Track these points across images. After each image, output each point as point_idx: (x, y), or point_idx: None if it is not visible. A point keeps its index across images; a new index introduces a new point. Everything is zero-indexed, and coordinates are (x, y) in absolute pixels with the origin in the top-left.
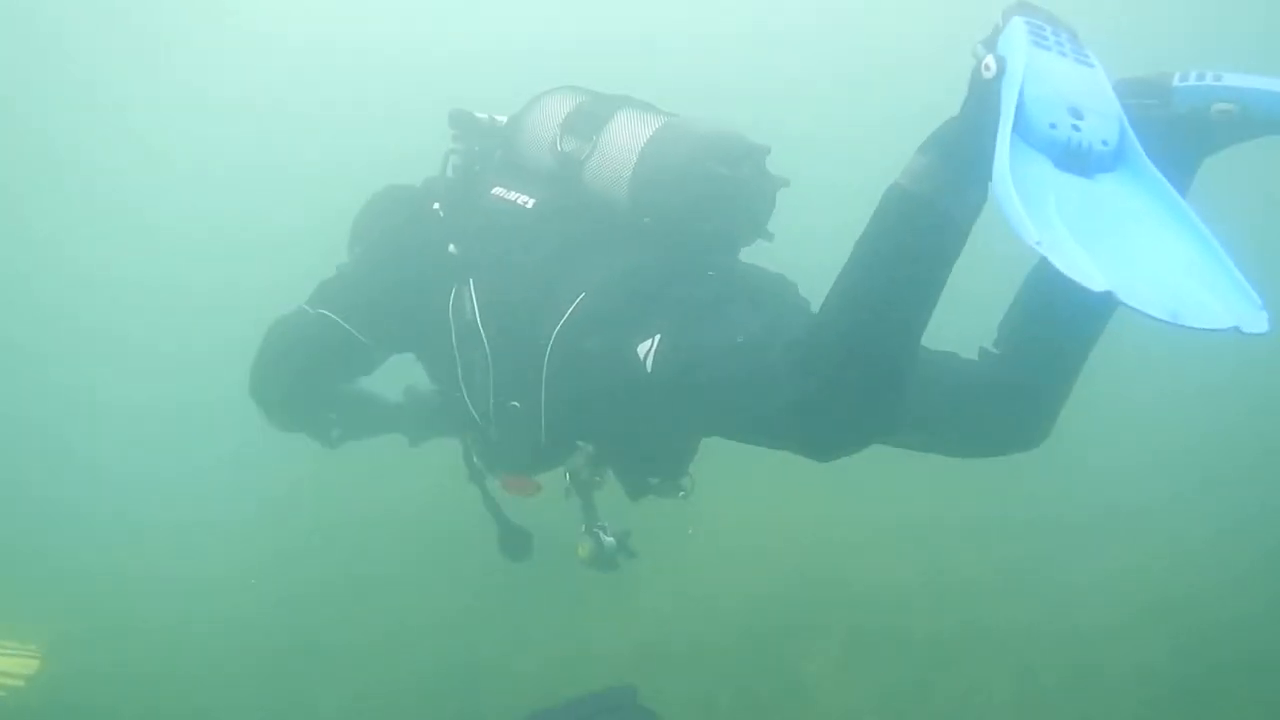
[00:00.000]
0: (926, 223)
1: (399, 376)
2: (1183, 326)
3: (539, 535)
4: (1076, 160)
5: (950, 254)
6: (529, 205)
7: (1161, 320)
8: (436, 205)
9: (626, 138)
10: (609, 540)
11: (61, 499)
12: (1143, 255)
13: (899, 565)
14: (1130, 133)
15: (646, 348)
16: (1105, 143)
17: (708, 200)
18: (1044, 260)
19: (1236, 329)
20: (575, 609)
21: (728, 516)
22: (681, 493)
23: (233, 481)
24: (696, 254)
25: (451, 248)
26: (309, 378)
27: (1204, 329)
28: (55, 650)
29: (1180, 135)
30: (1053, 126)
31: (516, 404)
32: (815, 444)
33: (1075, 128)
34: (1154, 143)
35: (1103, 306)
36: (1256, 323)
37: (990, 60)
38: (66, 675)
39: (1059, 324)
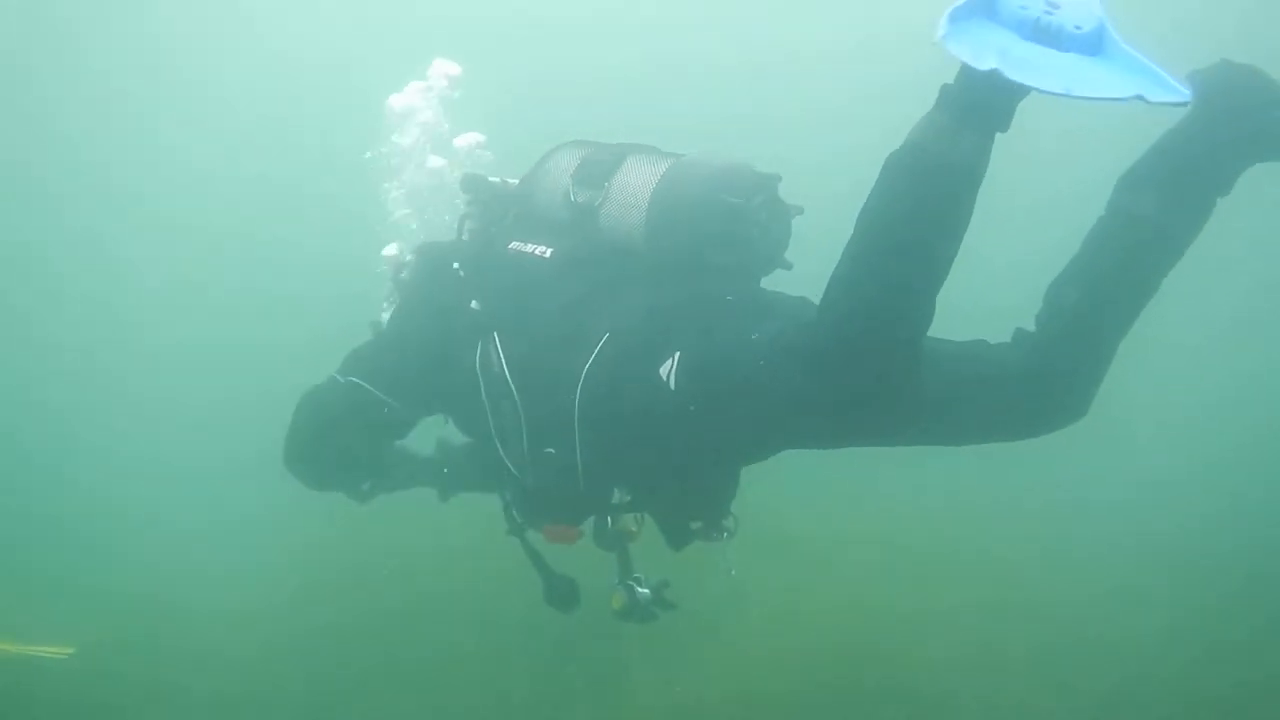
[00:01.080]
0: (924, 166)
1: (429, 430)
2: (1077, 96)
3: (586, 584)
4: (1046, 36)
5: (952, 204)
6: (547, 255)
7: (1056, 93)
8: (456, 265)
9: (637, 181)
10: (644, 592)
11: (104, 532)
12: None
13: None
14: (1110, 28)
15: (668, 368)
16: (1078, 27)
17: (722, 233)
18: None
19: (1140, 97)
20: (619, 661)
21: (773, 577)
22: (725, 534)
23: (273, 520)
24: (715, 287)
25: (474, 304)
26: (345, 447)
27: (1100, 98)
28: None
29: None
30: (1024, 8)
31: (552, 450)
32: (842, 416)
33: (1048, 11)
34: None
35: (1144, 279)
36: (1164, 93)
37: None
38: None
39: (1101, 303)
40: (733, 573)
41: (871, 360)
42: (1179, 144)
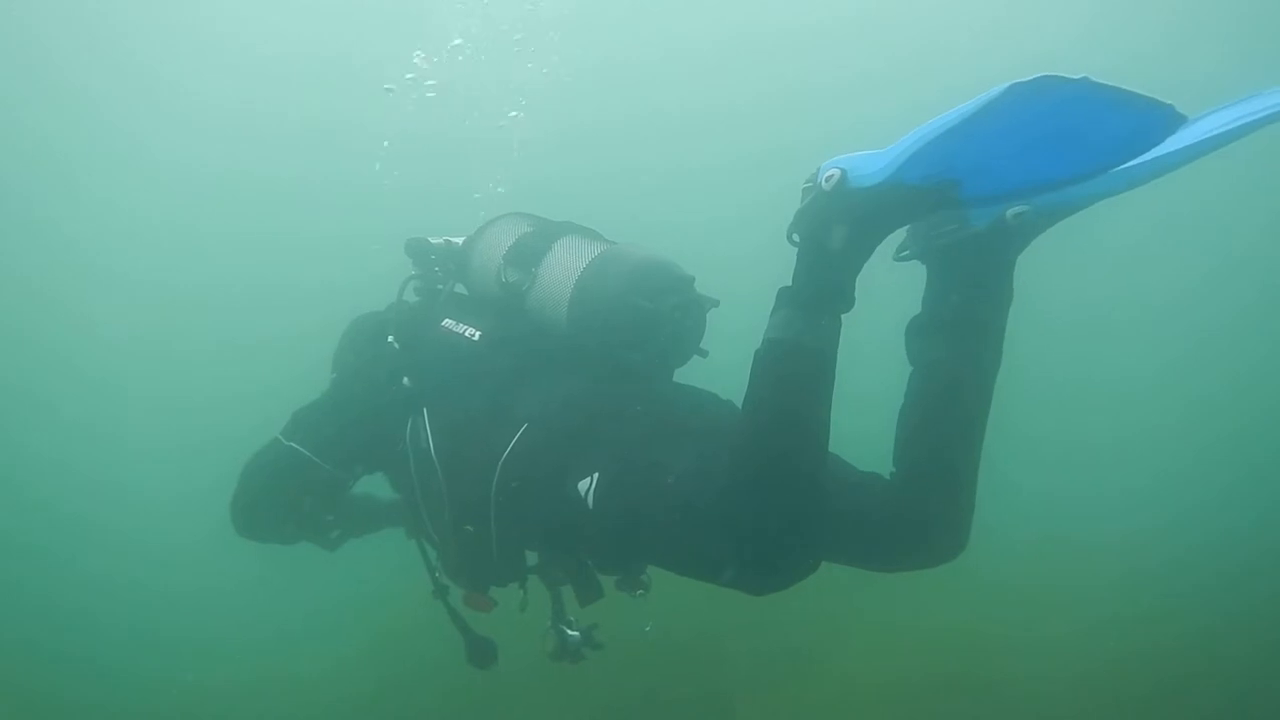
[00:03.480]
0: (794, 360)
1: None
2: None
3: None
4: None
5: (824, 381)
6: (475, 337)
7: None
8: (391, 338)
9: (562, 270)
10: (573, 635)
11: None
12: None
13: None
14: None
15: (587, 485)
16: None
17: (634, 331)
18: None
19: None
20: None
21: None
22: (640, 590)
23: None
24: (633, 378)
25: (405, 380)
26: (287, 505)
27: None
28: None
29: (988, 246)
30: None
31: (470, 528)
32: (748, 584)
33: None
34: (969, 260)
35: (970, 408)
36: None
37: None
38: None
39: (940, 450)
40: (648, 629)
41: (776, 523)
42: (933, 297)
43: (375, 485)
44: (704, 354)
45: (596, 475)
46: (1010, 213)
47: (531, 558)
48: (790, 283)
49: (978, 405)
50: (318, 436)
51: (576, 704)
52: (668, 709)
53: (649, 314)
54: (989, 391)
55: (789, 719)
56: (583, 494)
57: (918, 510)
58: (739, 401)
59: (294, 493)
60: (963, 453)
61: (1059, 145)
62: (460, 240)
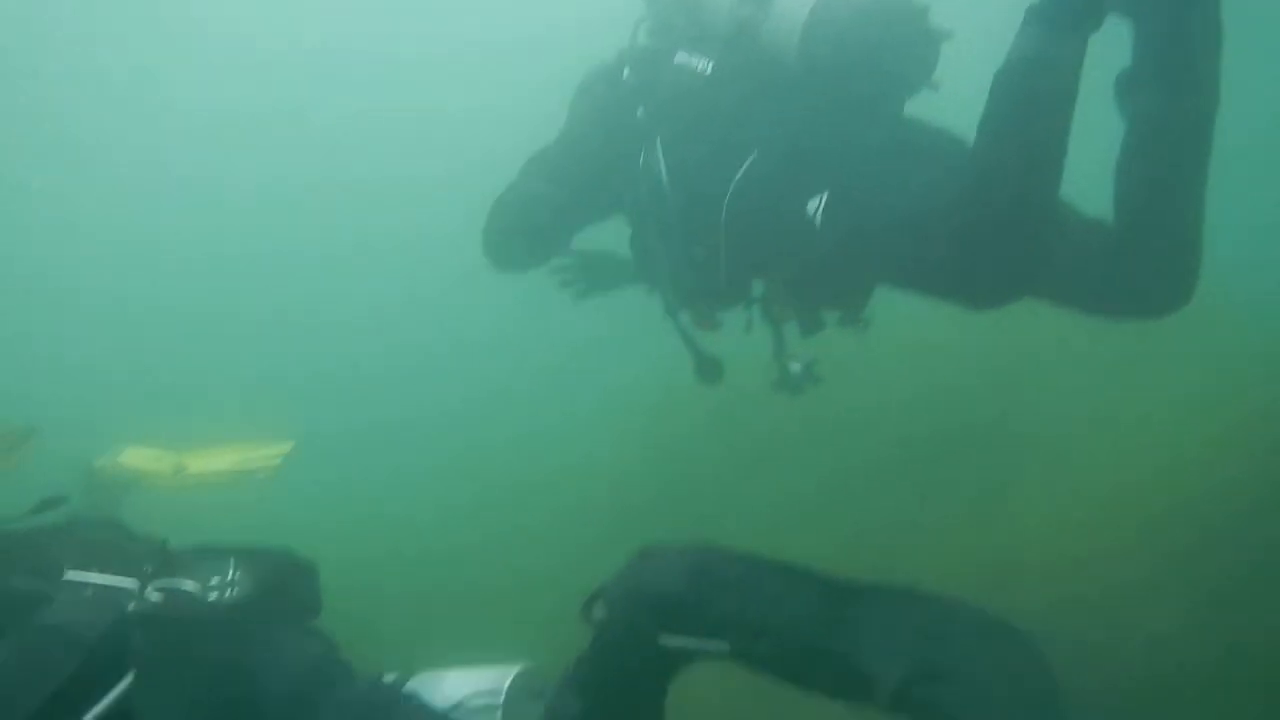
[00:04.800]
0: (1039, 76)
1: None
2: None
3: None
4: None
5: (1067, 101)
6: (708, 70)
7: None
8: (626, 71)
9: (795, 1)
10: (795, 367)
11: None
12: None
13: None
14: None
15: (815, 205)
16: None
17: (865, 60)
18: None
19: None
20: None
21: None
22: (861, 324)
23: None
24: (863, 108)
25: (640, 112)
26: (529, 238)
27: None
28: None
29: None
30: None
31: (699, 251)
32: (974, 294)
33: None
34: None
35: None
36: None
37: None
38: None
39: (1155, 192)
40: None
41: (1007, 236)
42: (1139, 45)
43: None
44: (935, 88)
45: (826, 194)
46: None
47: (757, 288)
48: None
49: (1194, 151)
50: (554, 171)
51: None
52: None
53: (880, 43)
54: (1207, 135)
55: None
56: (811, 213)
57: (1139, 257)
58: (970, 137)
59: (535, 221)
60: (1182, 202)
61: None
62: None
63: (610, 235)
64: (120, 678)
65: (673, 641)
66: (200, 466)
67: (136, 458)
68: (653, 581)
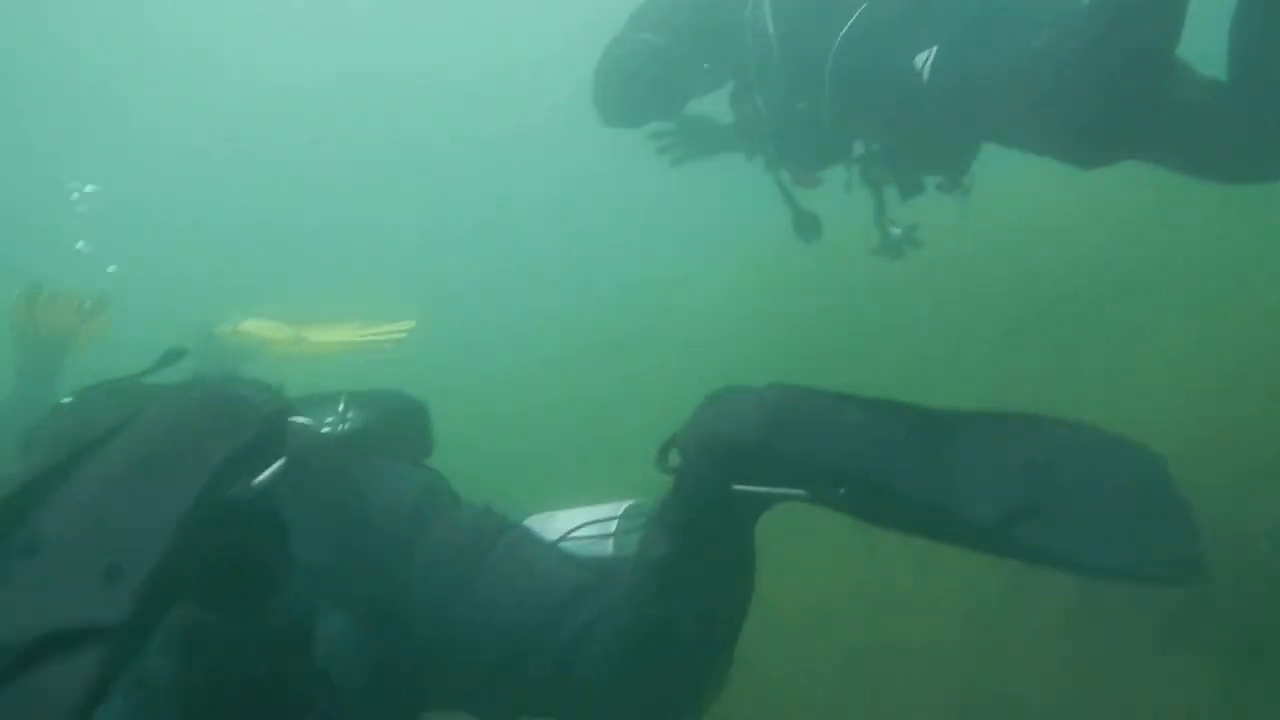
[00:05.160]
0: None
1: None
2: None
3: None
4: None
5: None
6: None
7: None
8: None
9: None
10: (895, 231)
11: None
12: None
13: None
14: None
15: (924, 58)
16: None
17: None
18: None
19: None
20: None
21: None
22: (961, 191)
23: None
24: None
25: None
26: (650, 88)
27: None
28: None
29: None
30: None
31: (803, 104)
32: (1085, 152)
33: None
34: None
35: None
36: None
37: None
38: None
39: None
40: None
41: (1128, 86)
42: None
43: None
44: None
45: (935, 49)
46: None
47: (858, 149)
48: None
49: None
50: (664, 21)
51: None
52: None
53: None
54: None
55: None
56: (919, 67)
57: (1253, 117)
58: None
59: (641, 74)
60: None
61: None
62: None
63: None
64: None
65: (746, 490)
66: (321, 337)
67: (257, 326)
68: (722, 431)
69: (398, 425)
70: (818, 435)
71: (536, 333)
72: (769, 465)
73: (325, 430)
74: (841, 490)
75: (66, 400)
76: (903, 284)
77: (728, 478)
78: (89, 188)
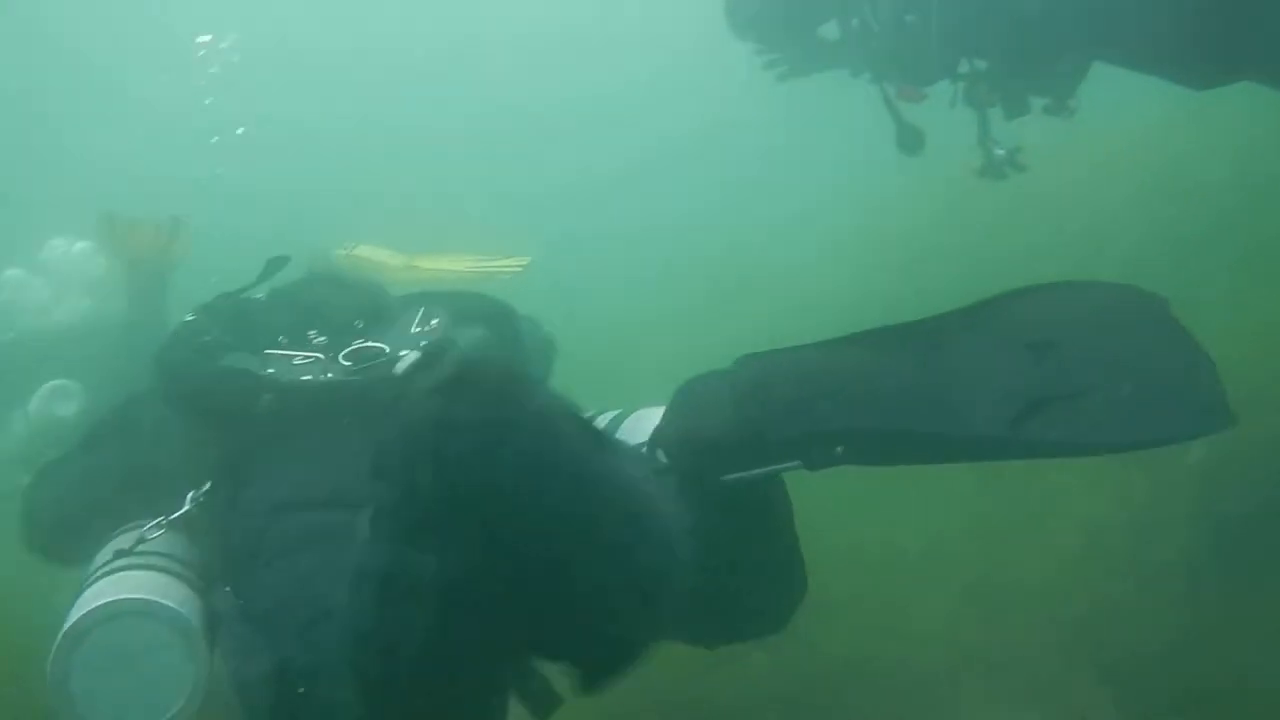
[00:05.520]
0: None
1: None
2: None
3: None
4: None
5: None
6: None
7: None
8: None
9: None
10: (1000, 152)
11: None
12: None
13: None
14: None
15: None
16: None
17: None
18: None
19: None
20: None
21: None
22: (1068, 112)
23: None
24: None
25: None
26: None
27: None
28: None
29: None
30: None
31: (911, 19)
32: (1199, 70)
33: None
34: None
35: None
36: None
37: None
38: None
39: None
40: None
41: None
42: None
43: None
44: None
45: None
46: None
47: (964, 66)
48: None
49: None
50: None
51: None
52: None
53: None
54: None
55: None
56: None
57: None
58: None
59: None
60: None
61: None
62: None
63: None
64: None
65: (740, 477)
66: (434, 266)
67: (371, 251)
68: (699, 427)
69: (487, 322)
70: (799, 406)
71: (647, 283)
72: (751, 453)
73: (414, 331)
74: (839, 449)
75: (190, 318)
76: (1021, 219)
77: (716, 471)
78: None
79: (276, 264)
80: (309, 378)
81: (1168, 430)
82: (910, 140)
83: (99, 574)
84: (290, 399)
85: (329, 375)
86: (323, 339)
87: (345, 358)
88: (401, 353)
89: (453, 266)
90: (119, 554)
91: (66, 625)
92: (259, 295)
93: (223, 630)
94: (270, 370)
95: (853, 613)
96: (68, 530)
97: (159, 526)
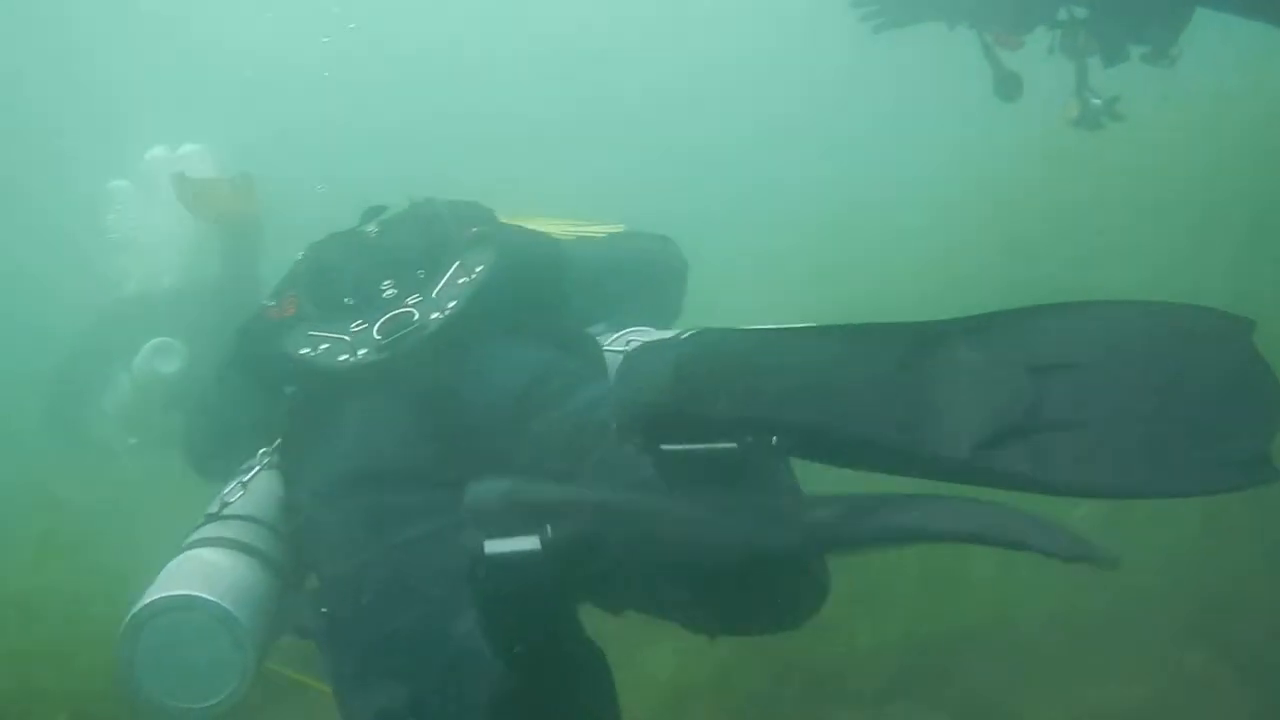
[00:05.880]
0: None
1: None
2: None
3: None
4: None
5: None
6: None
7: None
8: None
9: None
10: (1096, 103)
11: None
12: None
13: None
14: None
15: None
16: None
17: None
18: None
19: None
20: None
21: None
22: (1168, 61)
23: None
24: None
25: None
26: None
27: None
28: None
29: None
30: None
31: None
32: None
33: None
34: None
35: None
36: None
37: None
38: None
39: None
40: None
41: None
42: None
43: None
44: None
45: None
46: None
47: (1063, 14)
48: None
49: None
50: None
51: None
52: None
53: None
54: None
55: None
56: None
57: None
58: None
59: None
60: None
61: None
62: None
63: None
64: None
65: (676, 449)
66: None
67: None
68: (638, 396)
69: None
70: (734, 388)
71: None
72: (689, 424)
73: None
74: (774, 440)
75: (299, 256)
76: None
77: (655, 440)
78: None
79: (374, 211)
80: (345, 358)
81: (1171, 483)
82: (1009, 86)
83: (187, 544)
84: (330, 379)
85: (362, 353)
86: (393, 291)
87: (378, 330)
88: (432, 316)
89: (544, 228)
90: (209, 517)
91: (130, 613)
92: (368, 229)
93: (323, 646)
94: (305, 351)
95: (965, 584)
96: (209, 457)
97: (241, 487)
